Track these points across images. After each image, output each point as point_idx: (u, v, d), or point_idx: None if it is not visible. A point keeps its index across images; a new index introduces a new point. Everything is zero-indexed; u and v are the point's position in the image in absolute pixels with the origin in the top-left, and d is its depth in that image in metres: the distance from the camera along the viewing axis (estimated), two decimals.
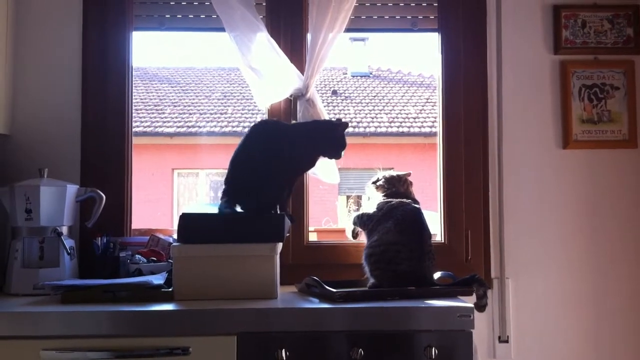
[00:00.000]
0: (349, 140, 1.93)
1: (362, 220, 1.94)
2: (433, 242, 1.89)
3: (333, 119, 2.03)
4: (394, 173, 2.01)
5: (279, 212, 1.86)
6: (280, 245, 1.78)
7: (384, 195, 1.96)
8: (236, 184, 1.86)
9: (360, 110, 7.91)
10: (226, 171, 1.88)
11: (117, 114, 2.18)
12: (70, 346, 1.53)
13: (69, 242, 1.91)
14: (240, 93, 8.00)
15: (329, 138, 1.92)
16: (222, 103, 8.01)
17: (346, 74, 8.72)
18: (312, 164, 1.95)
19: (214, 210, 1.87)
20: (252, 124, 1.93)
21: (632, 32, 2.25)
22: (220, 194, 1.89)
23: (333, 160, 2.09)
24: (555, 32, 2.24)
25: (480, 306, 1.74)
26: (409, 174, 2.01)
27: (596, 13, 2.25)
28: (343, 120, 1.93)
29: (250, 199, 1.83)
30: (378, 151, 7.26)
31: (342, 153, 1.95)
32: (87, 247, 2.02)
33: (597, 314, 2.20)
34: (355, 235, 2.02)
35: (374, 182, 2.01)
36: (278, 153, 1.84)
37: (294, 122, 2.12)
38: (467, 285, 1.78)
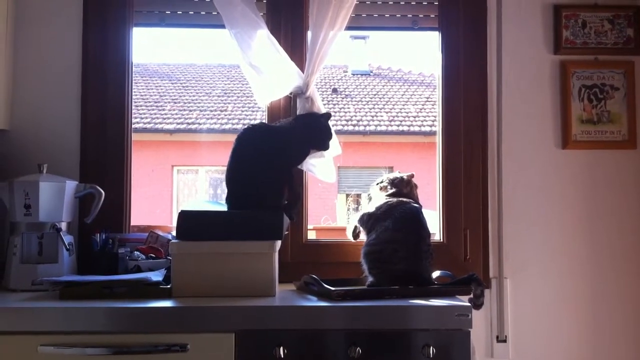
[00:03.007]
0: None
1: (363, 220, 1.94)
2: (432, 241, 1.89)
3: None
4: (398, 175, 2.01)
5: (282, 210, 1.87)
6: (278, 243, 1.78)
7: (387, 196, 1.96)
8: (238, 195, 1.86)
9: (360, 109, 7.90)
10: (224, 173, 1.89)
11: (117, 110, 2.18)
12: (68, 342, 1.53)
13: (67, 238, 1.91)
14: (241, 90, 8.00)
15: (314, 129, 1.94)
16: (222, 100, 8.01)
17: (347, 72, 8.72)
18: (303, 156, 1.98)
19: (214, 207, 1.87)
20: (238, 133, 1.94)
21: (633, 32, 2.24)
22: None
23: (330, 158, 2.10)
24: (556, 32, 2.24)
25: (477, 305, 1.74)
26: (412, 175, 2.01)
27: (597, 13, 2.25)
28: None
29: (255, 205, 1.83)
30: (378, 150, 7.26)
31: (329, 144, 1.97)
32: (86, 243, 2.02)
33: (596, 314, 2.20)
34: (356, 235, 2.02)
35: (378, 183, 2.01)
36: (269, 153, 1.86)
37: (277, 122, 2.11)
38: (465, 284, 1.78)
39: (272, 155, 1.88)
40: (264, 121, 2.20)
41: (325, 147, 1.99)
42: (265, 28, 2.11)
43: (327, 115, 2.00)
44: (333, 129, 2.04)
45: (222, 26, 2.11)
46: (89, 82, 2.17)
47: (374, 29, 2.48)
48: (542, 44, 2.25)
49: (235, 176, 1.89)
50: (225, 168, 1.91)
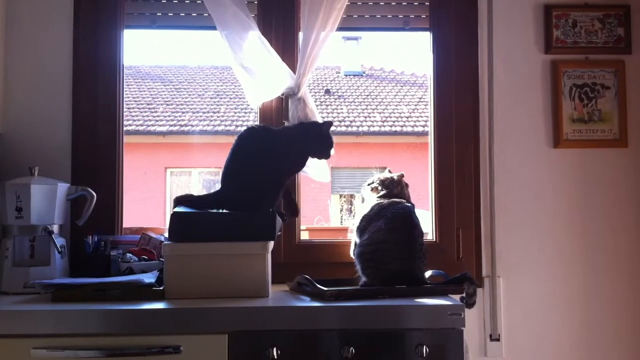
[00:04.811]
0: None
1: (356, 226, 1.94)
2: (425, 240, 1.89)
3: (324, 120, 2.05)
4: (388, 175, 2.01)
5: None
6: (271, 244, 1.78)
7: (378, 197, 1.96)
8: (233, 194, 1.86)
9: (353, 110, 7.90)
10: (219, 182, 1.89)
11: (108, 113, 2.18)
12: (61, 345, 1.53)
13: (59, 241, 1.91)
14: (233, 92, 7.99)
15: (316, 138, 1.94)
16: (214, 102, 8.00)
17: (339, 72, 8.73)
18: (302, 164, 1.97)
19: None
20: (240, 132, 1.93)
21: (623, 32, 2.26)
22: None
23: (324, 159, 2.10)
24: (547, 31, 2.25)
25: (469, 304, 1.74)
26: (402, 175, 2.01)
27: (587, 13, 2.26)
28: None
29: (249, 206, 1.83)
30: (371, 150, 7.26)
31: (331, 152, 1.97)
32: (78, 246, 2.01)
33: (588, 313, 2.21)
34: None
35: (369, 184, 2.01)
36: (269, 157, 1.86)
37: (279, 126, 2.11)
38: (459, 283, 1.78)
39: (269, 158, 1.87)
40: (257, 123, 2.20)
41: (327, 155, 1.99)
42: (257, 29, 2.11)
43: (329, 124, 1.99)
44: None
45: (214, 28, 2.11)
46: (80, 85, 2.16)
47: (365, 29, 2.49)
48: (533, 43, 2.26)
49: (231, 176, 1.88)
50: (218, 170, 1.91)
